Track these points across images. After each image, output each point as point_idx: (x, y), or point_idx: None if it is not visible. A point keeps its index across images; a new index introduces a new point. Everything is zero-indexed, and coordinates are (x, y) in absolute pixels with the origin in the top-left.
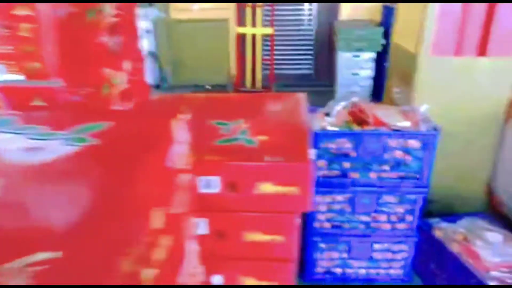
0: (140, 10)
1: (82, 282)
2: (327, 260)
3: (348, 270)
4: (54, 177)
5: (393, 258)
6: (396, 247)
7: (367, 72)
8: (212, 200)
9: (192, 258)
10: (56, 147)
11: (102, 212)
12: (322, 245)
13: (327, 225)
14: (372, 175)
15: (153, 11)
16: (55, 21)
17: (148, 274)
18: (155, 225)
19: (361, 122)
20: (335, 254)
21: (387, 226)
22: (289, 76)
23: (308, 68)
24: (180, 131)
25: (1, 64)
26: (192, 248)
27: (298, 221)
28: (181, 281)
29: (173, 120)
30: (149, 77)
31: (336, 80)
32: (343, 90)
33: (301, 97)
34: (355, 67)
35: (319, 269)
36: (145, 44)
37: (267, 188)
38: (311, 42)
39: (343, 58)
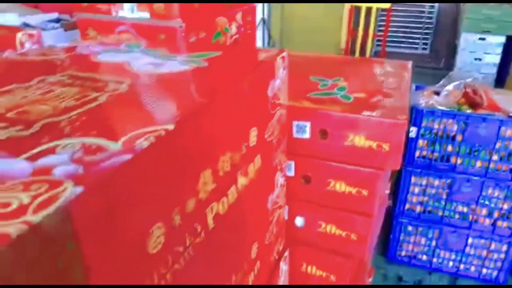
0: None
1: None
2: (413, 244)
3: (434, 260)
4: (171, 83)
5: (487, 256)
6: (493, 246)
7: (493, 58)
8: (302, 145)
9: (280, 191)
10: (174, 65)
11: (207, 114)
12: (410, 228)
13: (418, 208)
14: (478, 164)
15: None
16: None
17: (242, 182)
18: (251, 143)
19: (474, 105)
20: (423, 240)
21: (487, 222)
22: (402, 55)
23: (424, 48)
24: (283, 69)
25: (132, 3)
26: (280, 181)
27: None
28: (269, 207)
29: (277, 58)
30: (258, 43)
31: (455, 64)
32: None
33: (407, 65)
34: (479, 51)
35: (404, 252)
36: (259, 11)
37: (357, 140)
38: (431, 20)
39: (467, 40)
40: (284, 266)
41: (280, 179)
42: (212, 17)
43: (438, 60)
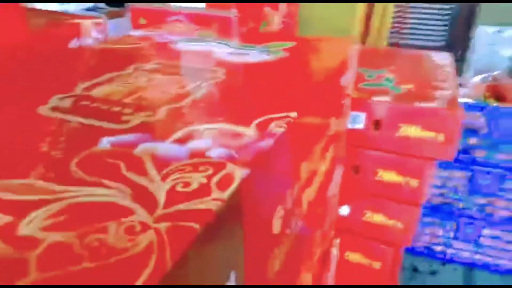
0: None
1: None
2: (430, 235)
3: (450, 250)
4: (264, 73)
5: (504, 248)
6: (510, 237)
7: (511, 51)
8: (354, 135)
9: (338, 180)
10: (258, 54)
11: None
12: (428, 219)
13: (437, 199)
14: (500, 157)
15: None
16: None
17: (322, 169)
18: (331, 131)
19: (500, 97)
20: (440, 231)
21: (505, 213)
22: (417, 47)
23: (439, 40)
24: (353, 60)
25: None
26: (338, 170)
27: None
28: (329, 195)
29: (349, 48)
30: None
31: (469, 58)
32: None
33: (447, 56)
34: (496, 45)
35: (419, 243)
36: None
37: (411, 131)
38: (449, 12)
39: (483, 32)
40: (335, 252)
41: (339, 168)
42: (260, 6)
43: (454, 52)
